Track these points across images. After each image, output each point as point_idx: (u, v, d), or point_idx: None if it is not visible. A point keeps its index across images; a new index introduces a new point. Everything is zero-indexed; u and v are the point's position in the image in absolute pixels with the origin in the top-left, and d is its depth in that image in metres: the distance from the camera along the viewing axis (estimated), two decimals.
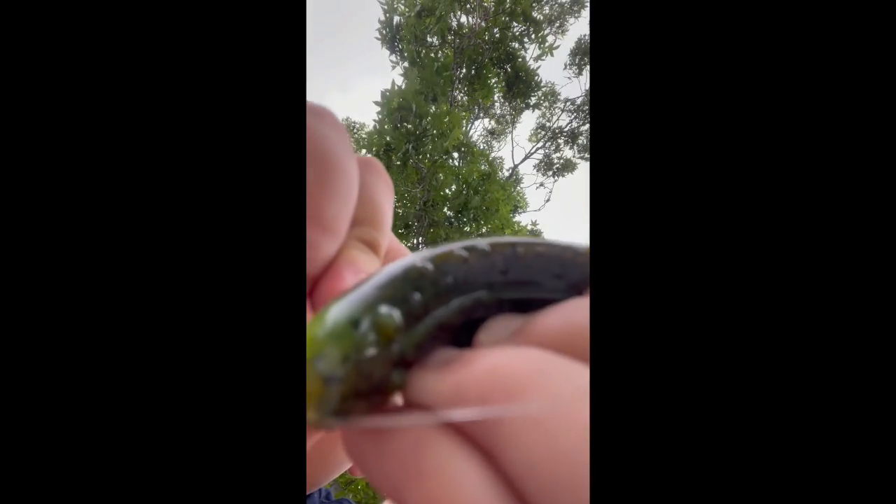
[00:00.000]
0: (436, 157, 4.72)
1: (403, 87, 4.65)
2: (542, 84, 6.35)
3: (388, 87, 4.65)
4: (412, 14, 5.12)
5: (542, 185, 7.48)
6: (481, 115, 6.52)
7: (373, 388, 0.12)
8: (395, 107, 4.56)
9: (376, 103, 4.60)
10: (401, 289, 0.13)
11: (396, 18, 5.27)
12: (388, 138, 4.52)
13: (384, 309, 0.12)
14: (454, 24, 5.42)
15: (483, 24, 5.58)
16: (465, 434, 0.12)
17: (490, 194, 4.91)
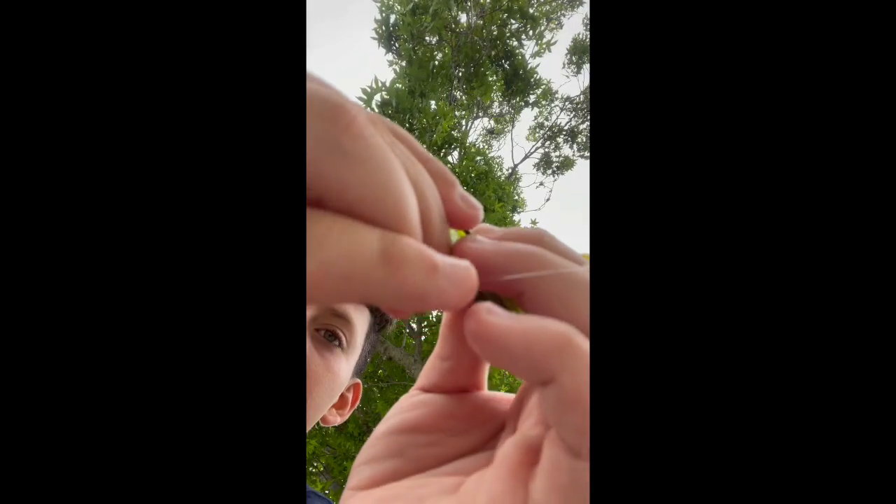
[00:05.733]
0: (431, 153, 4.71)
1: (387, 83, 4.64)
2: (540, 82, 6.32)
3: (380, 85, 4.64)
4: (407, 12, 5.11)
5: (541, 184, 7.47)
6: (480, 114, 6.49)
7: None
8: (379, 102, 4.55)
9: (360, 99, 4.58)
10: None
11: (392, 17, 5.26)
12: None
13: None
14: (451, 22, 5.41)
15: (480, 21, 5.56)
16: None
17: (486, 193, 4.89)
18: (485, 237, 0.16)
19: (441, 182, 0.15)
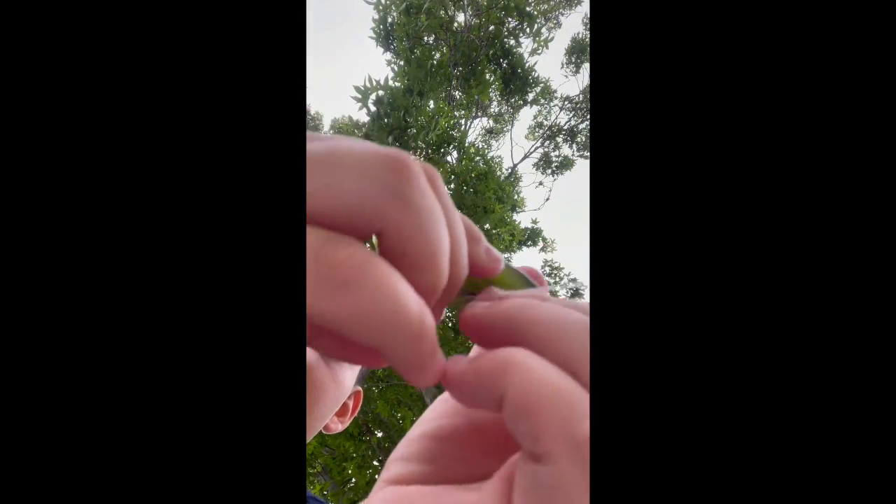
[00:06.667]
0: (429, 152, 4.72)
1: (381, 81, 4.63)
2: (539, 79, 6.33)
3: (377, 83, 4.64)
4: (401, 11, 5.12)
5: (541, 183, 7.49)
6: (479, 114, 6.50)
7: None
8: (374, 100, 4.55)
9: (355, 98, 4.57)
10: None
11: (390, 17, 5.27)
12: (364, 130, 4.51)
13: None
14: (447, 20, 5.41)
15: (477, 20, 5.57)
16: None
17: (486, 193, 4.90)
18: (488, 300, 0.17)
19: (469, 236, 0.17)
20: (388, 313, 0.13)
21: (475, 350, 0.20)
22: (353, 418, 0.60)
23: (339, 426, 0.59)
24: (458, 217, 0.16)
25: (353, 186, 0.13)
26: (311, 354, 0.47)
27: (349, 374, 0.51)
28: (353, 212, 0.13)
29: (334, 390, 0.49)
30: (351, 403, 0.60)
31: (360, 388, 0.61)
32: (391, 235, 0.14)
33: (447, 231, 0.15)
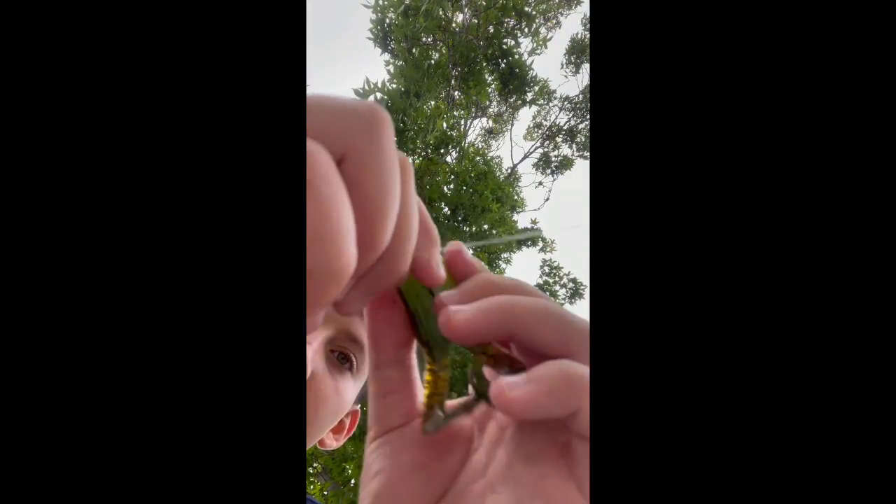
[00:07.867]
0: (428, 152, 4.72)
1: (378, 83, 4.63)
2: (537, 79, 6.33)
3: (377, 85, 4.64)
4: (398, 13, 5.12)
5: (540, 184, 7.48)
6: (478, 114, 6.50)
7: None
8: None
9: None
10: None
11: (388, 19, 5.27)
12: None
13: None
14: (445, 21, 5.41)
15: (475, 20, 5.57)
16: None
17: (486, 193, 4.90)
18: (452, 304, 0.17)
19: (426, 236, 0.17)
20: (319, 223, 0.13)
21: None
22: (349, 437, 0.60)
23: (334, 443, 0.59)
24: (417, 212, 0.17)
25: (333, 108, 0.14)
26: (317, 364, 0.47)
27: (351, 389, 0.50)
28: (324, 129, 0.14)
29: (335, 402, 0.49)
30: (348, 422, 0.60)
31: (357, 409, 0.61)
32: (351, 159, 0.14)
33: (399, 196, 0.15)
